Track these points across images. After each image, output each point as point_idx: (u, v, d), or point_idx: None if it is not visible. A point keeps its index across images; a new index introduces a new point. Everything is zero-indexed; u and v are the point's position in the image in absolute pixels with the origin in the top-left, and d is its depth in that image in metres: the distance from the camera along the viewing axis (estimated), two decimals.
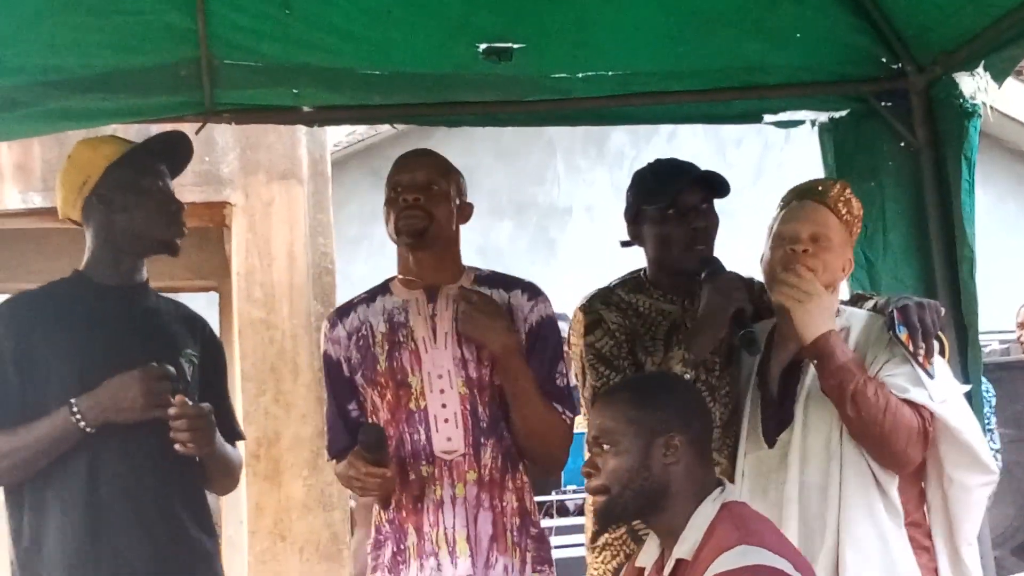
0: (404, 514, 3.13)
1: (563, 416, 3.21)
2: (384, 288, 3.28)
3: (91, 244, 3.26)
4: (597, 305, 3.40)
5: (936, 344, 3.16)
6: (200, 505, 3.30)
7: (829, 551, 3.10)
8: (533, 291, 3.29)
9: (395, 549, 3.14)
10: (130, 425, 3.06)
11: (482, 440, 3.14)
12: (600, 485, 2.69)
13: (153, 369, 3.06)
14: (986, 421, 5.28)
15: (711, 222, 3.38)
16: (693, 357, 3.21)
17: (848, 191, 3.32)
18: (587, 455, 2.76)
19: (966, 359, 3.81)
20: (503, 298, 3.24)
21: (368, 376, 3.19)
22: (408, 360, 3.15)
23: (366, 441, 3.03)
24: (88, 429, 3.04)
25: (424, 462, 3.12)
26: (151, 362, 3.09)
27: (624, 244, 3.53)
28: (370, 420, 3.19)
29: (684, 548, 2.63)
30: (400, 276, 3.27)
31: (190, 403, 3.08)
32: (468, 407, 3.14)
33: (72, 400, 3.03)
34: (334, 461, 3.29)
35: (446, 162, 3.27)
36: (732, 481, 3.35)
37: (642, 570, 2.80)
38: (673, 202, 3.33)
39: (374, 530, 3.25)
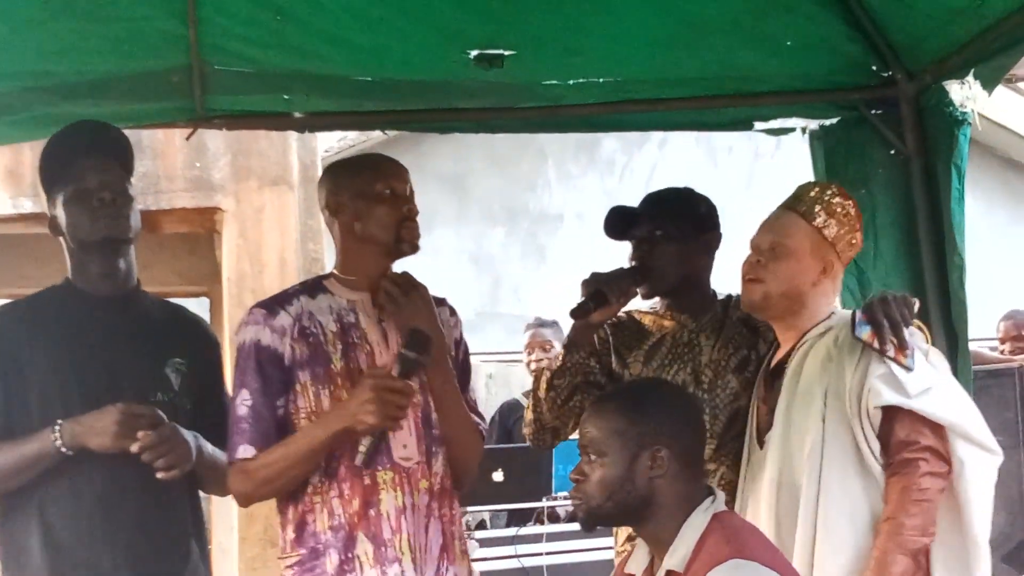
0: (355, 520, 3.00)
1: (479, 425, 3.23)
2: (319, 286, 3.18)
3: (65, 252, 3.27)
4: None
5: (919, 334, 3.17)
6: (189, 514, 3.29)
7: (802, 552, 3.10)
8: (452, 308, 3.31)
9: (341, 559, 3.00)
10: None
11: (433, 448, 3.10)
12: (582, 492, 2.69)
13: (134, 406, 3.04)
14: None
15: (659, 253, 3.48)
16: (569, 341, 3.45)
17: (830, 192, 3.30)
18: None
19: (956, 367, 3.81)
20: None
21: (318, 374, 3.04)
22: (364, 362, 3.07)
23: (416, 339, 2.96)
24: (66, 452, 3.04)
25: (380, 467, 3.02)
26: (135, 372, 3.09)
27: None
28: (301, 421, 3.03)
29: (675, 560, 2.62)
30: (338, 274, 3.19)
31: (151, 434, 3.03)
32: (421, 415, 3.09)
33: (58, 423, 3.03)
34: (244, 463, 3.01)
35: None
36: (736, 487, 3.37)
37: None
38: (625, 236, 3.54)
39: (291, 544, 3.08)
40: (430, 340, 3.01)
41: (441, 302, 3.28)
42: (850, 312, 3.31)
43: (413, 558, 3.01)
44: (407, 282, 3.14)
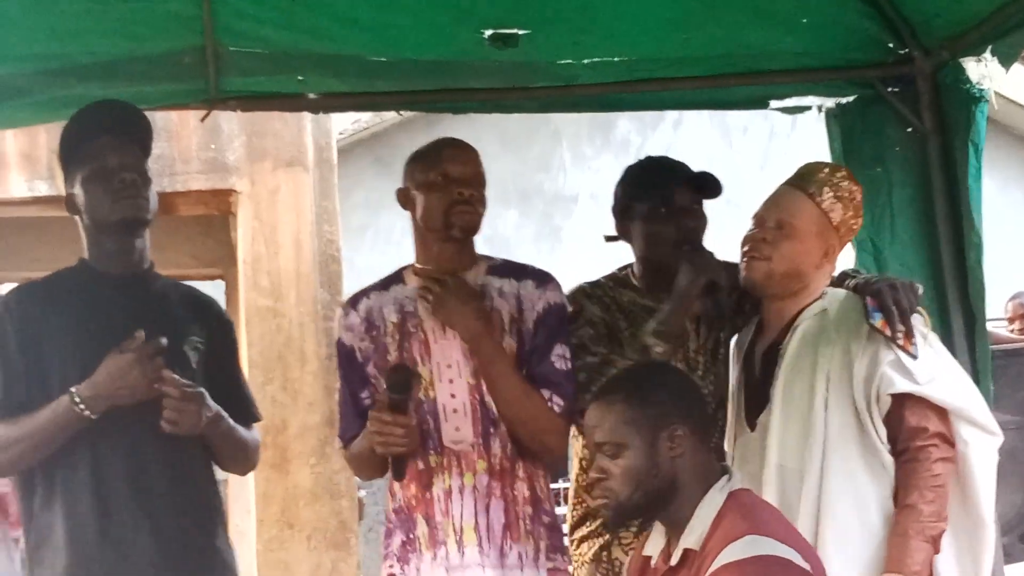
0: (414, 503, 3.13)
1: (550, 403, 3.15)
2: (398, 277, 3.27)
3: (81, 231, 3.27)
4: (580, 297, 3.43)
5: (920, 319, 3.16)
6: (210, 486, 3.30)
7: (807, 534, 3.09)
8: (542, 279, 3.26)
9: (404, 538, 3.14)
10: (133, 409, 3.06)
11: (491, 430, 3.12)
12: (610, 489, 2.66)
13: (145, 348, 3.04)
14: None
15: (700, 223, 3.41)
16: (665, 328, 3.25)
17: (839, 175, 3.29)
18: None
19: (974, 345, 3.80)
20: (514, 288, 3.23)
21: (379, 365, 3.17)
22: (418, 350, 3.15)
23: (395, 381, 3.01)
24: (92, 416, 3.04)
25: (432, 452, 3.11)
26: (158, 337, 3.07)
27: (609, 239, 3.56)
28: None
29: (692, 538, 2.61)
30: (417, 265, 3.25)
31: (178, 380, 3.07)
32: (477, 397, 3.12)
33: (72, 389, 3.03)
34: (343, 449, 3.30)
35: (480, 157, 3.28)
36: None
37: (648, 559, 2.79)
38: (665, 201, 3.36)
39: (384, 518, 3.25)
40: (411, 376, 3.06)
41: (527, 274, 3.26)
42: (838, 289, 3.29)
43: (459, 539, 3.08)
44: (435, 279, 3.16)
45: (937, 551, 3.07)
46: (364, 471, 3.34)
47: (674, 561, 2.65)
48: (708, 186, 3.40)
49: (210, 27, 3.60)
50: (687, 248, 3.32)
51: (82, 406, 3.02)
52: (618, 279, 3.50)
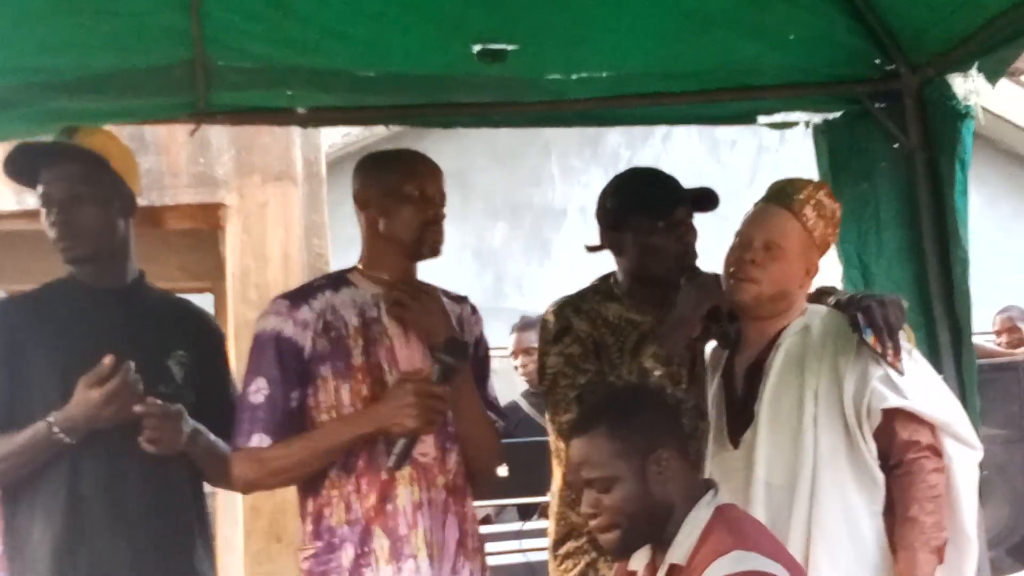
0: (373, 515, 3.02)
1: (496, 425, 3.23)
2: (343, 279, 3.19)
3: None
4: (567, 312, 3.42)
5: (903, 335, 3.18)
6: (192, 506, 3.29)
7: (797, 551, 3.10)
8: (473, 306, 3.32)
9: (357, 552, 3.01)
10: (113, 428, 3.06)
11: (447, 445, 3.11)
12: (607, 523, 2.65)
13: (116, 381, 3.03)
14: None
15: (694, 236, 3.41)
16: (666, 352, 3.27)
17: (821, 192, 3.31)
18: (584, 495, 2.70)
19: (960, 360, 3.81)
20: (455, 309, 3.24)
21: (339, 369, 3.06)
22: (384, 357, 3.09)
23: (454, 348, 2.99)
24: (71, 442, 3.05)
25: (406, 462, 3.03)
26: (136, 365, 3.06)
27: (591, 249, 3.55)
28: (322, 416, 3.04)
29: (678, 553, 2.61)
30: (362, 268, 3.21)
31: (157, 403, 3.07)
32: None
33: (50, 418, 3.04)
34: (257, 451, 3.01)
35: None
36: None
37: (633, 573, 2.79)
38: (664, 215, 3.36)
39: (309, 537, 3.06)
40: (466, 347, 3.05)
41: (462, 300, 3.31)
42: (819, 306, 3.31)
43: (429, 554, 3.02)
44: (415, 287, 3.14)
45: (941, 562, 3.08)
46: (285, 476, 3.07)
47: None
48: (708, 201, 3.42)
49: (199, 41, 3.60)
50: (688, 267, 3.33)
51: (61, 434, 3.04)
52: (601, 291, 3.48)
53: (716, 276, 3.32)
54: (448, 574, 3.07)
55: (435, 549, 3.03)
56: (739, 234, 3.28)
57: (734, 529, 2.58)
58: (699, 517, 2.63)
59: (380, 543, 3.00)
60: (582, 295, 3.48)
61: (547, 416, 3.45)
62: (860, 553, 3.11)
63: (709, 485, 2.72)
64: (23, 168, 3.23)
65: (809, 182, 3.37)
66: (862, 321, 3.14)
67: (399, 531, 3.01)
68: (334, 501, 3.04)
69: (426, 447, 3.06)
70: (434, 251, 3.15)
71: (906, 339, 3.22)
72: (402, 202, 3.12)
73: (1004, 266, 9.88)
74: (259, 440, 3.02)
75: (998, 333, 8.05)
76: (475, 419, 3.15)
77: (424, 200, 3.12)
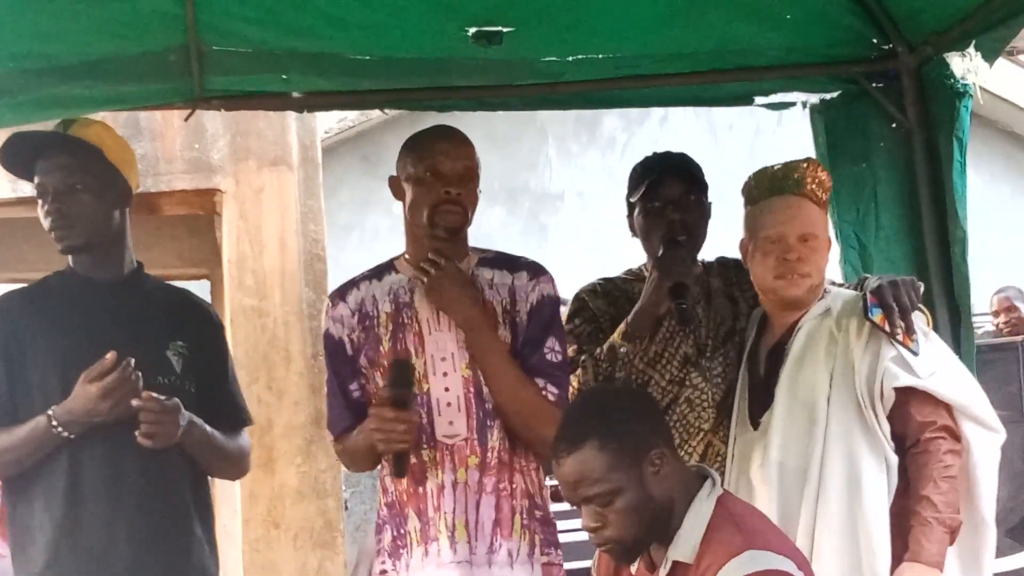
0: (405, 498, 3.09)
1: (544, 393, 3.12)
2: (389, 266, 3.23)
3: None
4: (587, 293, 3.53)
5: (921, 316, 3.18)
6: (190, 496, 3.28)
7: (804, 535, 3.10)
8: (535, 271, 3.24)
9: (395, 533, 3.11)
10: (112, 421, 3.07)
11: (488, 422, 3.08)
12: (615, 535, 2.60)
13: (115, 376, 3.03)
14: None
15: (691, 214, 3.45)
16: (631, 329, 3.33)
17: (819, 169, 3.32)
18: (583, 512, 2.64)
19: (959, 341, 3.80)
20: (507, 279, 3.21)
21: (371, 357, 3.14)
22: (412, 342, 3.11)
23: (397, 376, 2.98)
24: (70, 436, 3.06)
25: (425, 446, 3.06)
26: (135, 356, 3.06)
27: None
28: (372, 402, 3.12)
29: (683, 550, 2.58)
30: (407, 255, 3.22)
31: (155, 397, 3.07)
32: (472, 390, 3.09)
33: (50, 411, 3.04)
34: (334, 442, 3.26)
35: (475, 150, 3.25)
36: (725, 463, 3.37)
37: (623, 569, 2.77)
38: (654, 195, 3.44)
39: (376, 513, 3.22)
40: (412, 371, 3.03)
41: (520, 266, 3.24)
42: (846, 290, 3.31)
43: (451, 535, 3.03)
44: (431, 261, 3.12)
45: (952, 543, 3.08)
46: (357, 464, 3.29)
47: (663, 573, 2.63)
48: (687, 173, 3.48)
49: (194, 26, 3.59)
50: (667, 244, 3.37)
51: (60, 428, 3.04)
52: (633, 273, 3.60)
53: (686, 252, 3.37)
54: (483, 555, 3.04)
55: (461, 530, 3.03)
56: (769, 236, 3.24)
57: (742, 526, 2.56)
58: (702, 511, 2.60)
59: (413, 525, 3.08)
60: (611, 279, 3.60)
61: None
62: (866, 535, 3.10)
63: (703, 474, 2.69)
64: (19, 159, 3.22)
65: (804, 163, 3.35)
66: (870, 300, 3.14)
67: (428, 513, 3.06)
68: (381, 485, 3.18)
69: (456, 427, 3.06)
70: (449, 230, 3.12)
71: (924, 321, 3.21)
72: (416, 185, 3.13)
73: (1003, 246, 9.88)
74: (328, 434, 3.28)
75: (995, 313, 8.06)
76: (510, 390, 3.09)
77: (436, 179, 3.10)
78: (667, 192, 3.44)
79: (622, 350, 3.33)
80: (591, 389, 3.16)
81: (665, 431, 2.76)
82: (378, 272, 3.23)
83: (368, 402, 3.14)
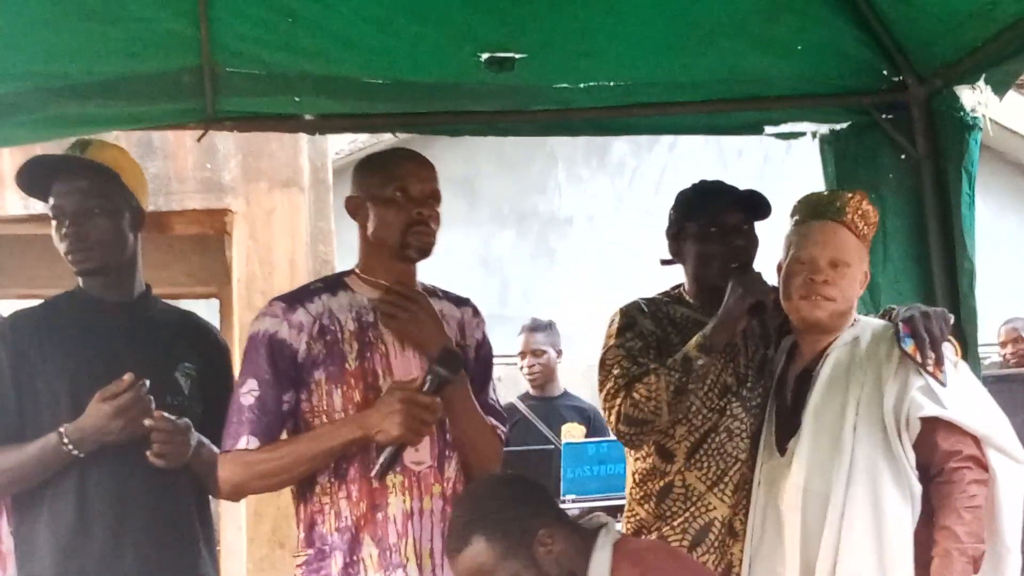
0: (362, 523, 2.96)
1: (497, 430, 3.16)
2: (341, 283, 3.13)
3: None
4: (634, 310, 3.54)
5: (950, 347, 3.18)
6: (196, 518, 3.30)
7: (826, 560, 3.10)
8: (475, 308, 3.26)
9: (347, 560, 2.95)
10: (122, 442, 3.08)
11: (447, 453, 3.05)
12: None
13: (129, 395, 3.04)
14: None
15: (751, 242, 3.51)
16: (709, 343, 3.32)
17: (865, 202, 3.33)
18: None
19: None
20: (456, 314, 3.19)
21: (333, 373, 2.99)
22: (379, 363, 3.02)
23: (448, 359, 2.92)
24: (80, 455, 3.07)
25: (391, 471, 2.95)
26: (144, 377, 3.07)
27: (664, 262, 3.64)
28: (314, 420, 2.98)
29: None
30: (360, 273, 3.14)
31: (167, 417, 3.09)
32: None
33: (61, 429, 3.05)
34: (241, 454, 2.93)
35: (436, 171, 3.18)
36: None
37: None
38: (715, 221, 3.47)
39: (301, 543, 3.02)
40: (461, 358, 3.00)
41: (464, 302, 3.25)
42: (876, 320, 3.32)
43: (419, 563, 2.96)
44: (404, 295, 3.06)
45: (976, 572, 3.07)
46: (276, 479, 2.98)
47: None
48: (757, 206, 3.50)
49: (208, 47, 3.61)
50: (736, 267, 3.40)
51: (70, 446, 3.05)
52: (672, 296, 3.62)
53: (760, 274, 3.39)
54: None
55: (427, 559, 2.98)
56: (799, 257, 3.27)
57: (638, 561, 2.61)
58: (601, 561, 2.65)
59: (369, 552, 2.95)
60: (652, 299, 3.60)
61: (602, 407, 3.49)
62: (889, 564, 3.10)
63: (598, 524, 2.74)
64: (35, 181, 3.24)
65: (852, 193, 3.37)
66: (903, 330, 3.16)
67: (388, 540, 2.95)
68: (326, 508, 2.98)
69: (421, 455, 3.00)
70: (422, 252, 3.06)
71: (953, 352, 3.22)
72: (384, 205, 3.04)
73: (1010, 277, 9.87)
74: (246, 442, 2.94)
75: (1003, 344, 8.05)
76: (472, 425, 3.09)
77: (408, 200, 3.03)
78: (730, 219, 3.48)
79: (699, 362, 3.32)
80: (468, 486, 3.06)
81: (548, 506, 2.78)
82: (330, 287, 3.11)
83: (299, 419, 3.01)
